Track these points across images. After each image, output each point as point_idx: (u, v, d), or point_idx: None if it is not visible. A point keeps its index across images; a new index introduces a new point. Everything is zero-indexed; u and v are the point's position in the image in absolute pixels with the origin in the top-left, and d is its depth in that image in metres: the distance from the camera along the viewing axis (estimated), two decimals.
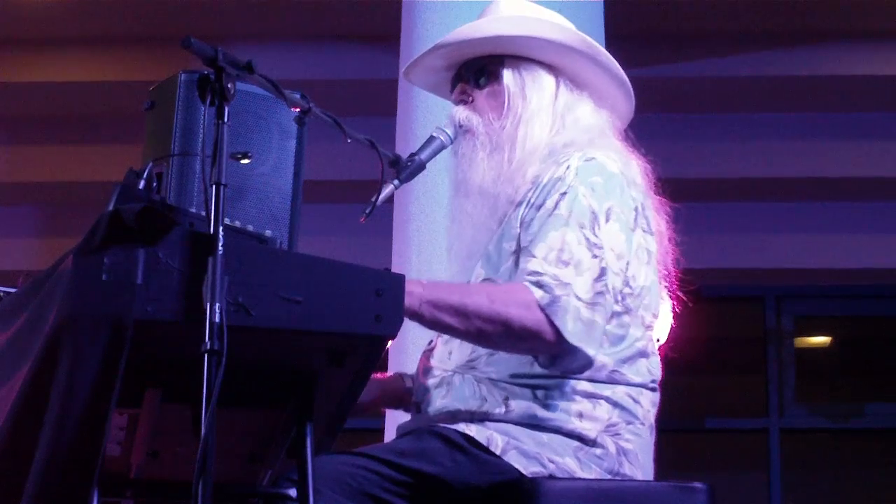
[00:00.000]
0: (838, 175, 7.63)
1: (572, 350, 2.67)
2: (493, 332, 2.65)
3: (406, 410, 3.10)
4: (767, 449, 8.42)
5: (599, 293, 2.70)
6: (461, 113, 2.96)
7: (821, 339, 9.10)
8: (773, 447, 8.41)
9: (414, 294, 2.59)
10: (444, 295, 2.64)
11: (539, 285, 2.66)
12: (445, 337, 2.86)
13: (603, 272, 2.71)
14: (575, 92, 2.97)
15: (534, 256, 2.71)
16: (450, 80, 3.05)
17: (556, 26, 2.97)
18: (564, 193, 2.76)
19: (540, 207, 2.77)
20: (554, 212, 2.75)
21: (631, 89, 3.04)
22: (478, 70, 2.98)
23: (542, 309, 2.64)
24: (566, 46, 2.94)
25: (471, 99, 2.97)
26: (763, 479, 8.39)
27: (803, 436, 8.54)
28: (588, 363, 2.70)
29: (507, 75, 2.95)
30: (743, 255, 7.93)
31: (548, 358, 2.71)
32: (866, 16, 6.93)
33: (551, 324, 2.64)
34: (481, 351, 2.79)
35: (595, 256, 2.71)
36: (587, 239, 2.72)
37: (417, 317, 2.63)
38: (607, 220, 2.76)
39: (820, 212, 7.90)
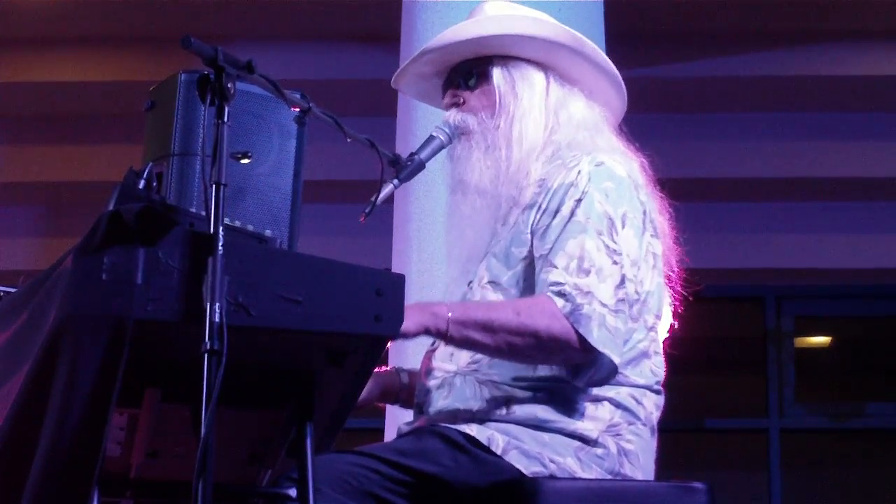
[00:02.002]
0: (838, 175, 7.62)
1: (599, 358, 2.67)
2: (524, 345, 2.65)
3: (401, 406, 3.10)
4: (767, 449, 8.41)
5: (621, 300, 2.70)
6: (455, 116, 2.96)
7: (821, 339, 9.09)
8: (773, 447, 8.40)
9: (440, 315, 2.62)
10: (471, 313, 2.66)
11: (561, 295, 2.66)
12: None
13: (623, 279, 2.72)
14: (566, 87, 2.97)
15: (555, 267, 2.70)
16: (440, 87, 3.05)
17: (540, 23, 2.96)
18: (580, 200, 2.75)
19: (555, 214, 2.77)
20: (571, 219, 2.74)
21: (622, 84, 3.04)
22: (467, 73, 2.97)
23: (567, 317, 2.64)
24: (552, 42, 2.93)
25: (462, 101, 2.97)
26: (763, 479, 8.38)
27: (803, 436, 8.53)
28: (613, 371, 2.71)
29: (497, 74, 2.94)
30: (743, 255, 7.92)
31: (574, 368, 2.72)
32: (865, 16, 6.92)
33: (576, 332, 2.64)
34: None
35: (615, 263, 2.71)
36: (606, 246, 2.72)
37: (447, 338, 2.65)
38: (623, 226, 2.76)
39: (820, 212, 7.89)
